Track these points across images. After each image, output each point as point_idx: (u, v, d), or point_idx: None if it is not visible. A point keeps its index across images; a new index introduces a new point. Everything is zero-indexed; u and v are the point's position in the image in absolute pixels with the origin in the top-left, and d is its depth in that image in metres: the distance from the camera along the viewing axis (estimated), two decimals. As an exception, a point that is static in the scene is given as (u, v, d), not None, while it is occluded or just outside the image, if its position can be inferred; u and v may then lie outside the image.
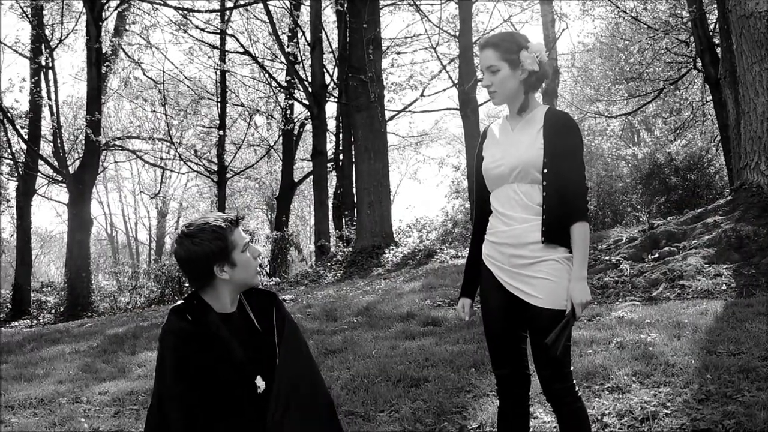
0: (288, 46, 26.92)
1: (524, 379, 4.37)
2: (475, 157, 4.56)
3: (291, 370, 3.83)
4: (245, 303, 3.97)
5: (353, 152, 25.53)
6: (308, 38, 27.62)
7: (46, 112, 29.25)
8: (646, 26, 28.24)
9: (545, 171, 4.17)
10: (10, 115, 26.39)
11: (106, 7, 26.37)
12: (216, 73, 34.83)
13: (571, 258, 4.19)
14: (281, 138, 36.23)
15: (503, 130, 4.43)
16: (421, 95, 32.22)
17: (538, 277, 4.14)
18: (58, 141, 26.63)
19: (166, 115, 34.04)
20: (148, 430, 3.71)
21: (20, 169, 28.81)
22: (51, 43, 28.08)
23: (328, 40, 28.88)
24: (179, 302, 3.87)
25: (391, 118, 33.41)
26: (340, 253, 22.87)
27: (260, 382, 3.78)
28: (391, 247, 21.23)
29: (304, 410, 3.77)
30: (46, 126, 29.77)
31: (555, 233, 4.16)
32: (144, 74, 33.41)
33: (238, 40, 28.99)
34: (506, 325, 4.30)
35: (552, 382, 4.20)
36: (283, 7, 31.12)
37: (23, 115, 28.68)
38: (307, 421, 3.78)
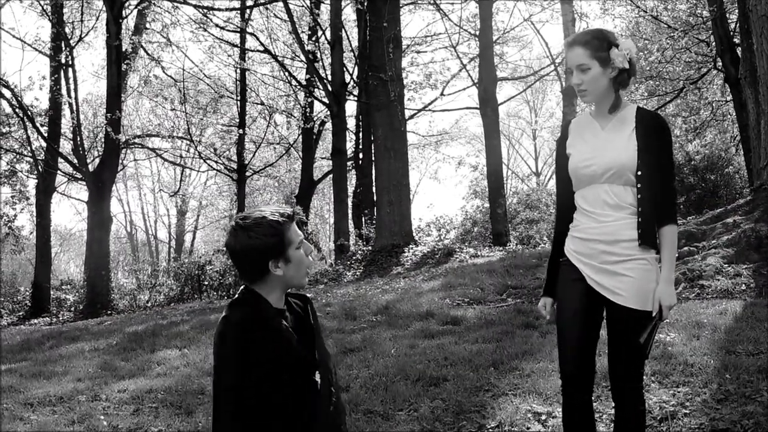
0: (308, 45, 26.92)
1: (590, 378, 4.36)
2: (557, 153, 4.56)
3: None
4: (290, 301, 3.98)
5: (373, 151, 25.54)
6: (328, 37, 27.64)
7: (66, 110, 29.22)
8: (666, 26, 28.12)
9: (639, 173, 4.17)
10: (30, 113, 26.39)
11: (126, 5, 26.37)
12: (236, 71, 34.92)
13: (658, 259, 4.20)
14: (301, 136, 36.23)
15: (591, 129, 4.40)
16: (441, 94, 32.22)
17: (627, 276, 4.15)
18: (78, 139, 26.63)
19: (185, 113, 34.11)
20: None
21: (40, 167, 28.77)
22: (71, 41, 28.05)
23: (348, 38, 28.90)
24: (236, 296, 3.85)
25: (411, 116, 33.41)
26: (359, 251, 22.89)
27: (318, 378, 3.78)
28: (410, 246, 21.25)
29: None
30: (65, 124, 29.79)
31: (649, 235, 4.18)
32: (164, 72, 33.41)
33: (258, 39, 29.07)
34: (583, 322, 4.30)
35: (623, 381, 4.24)
36: (303, 6, 31.18)
37: (43, 113, 28.67)
38: None
